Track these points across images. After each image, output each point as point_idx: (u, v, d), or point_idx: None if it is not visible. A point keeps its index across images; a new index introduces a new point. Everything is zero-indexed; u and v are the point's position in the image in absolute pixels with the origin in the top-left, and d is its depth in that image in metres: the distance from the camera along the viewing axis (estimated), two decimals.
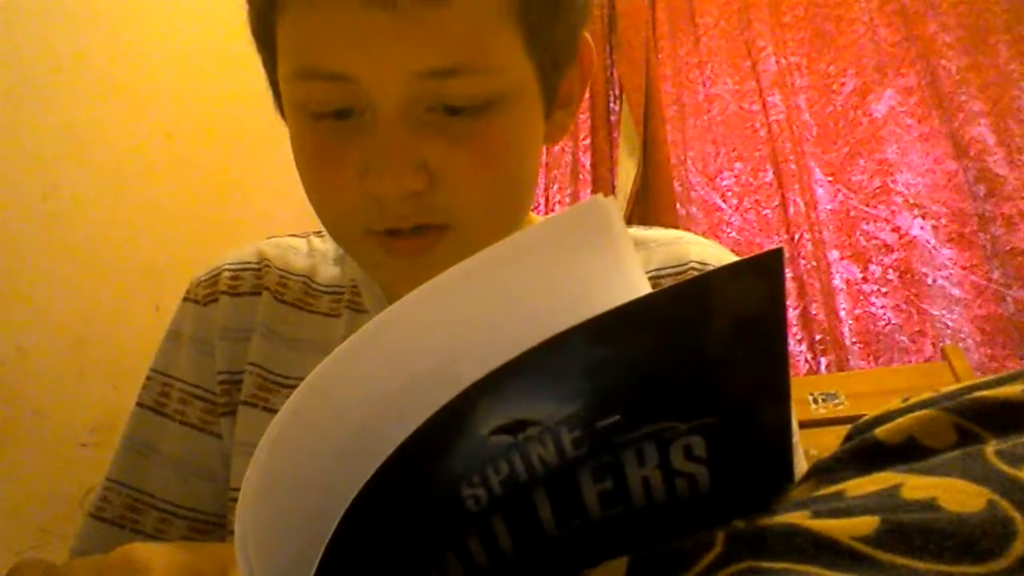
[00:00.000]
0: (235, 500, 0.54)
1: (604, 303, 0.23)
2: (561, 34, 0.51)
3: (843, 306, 1.96)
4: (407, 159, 0.47)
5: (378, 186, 0.47)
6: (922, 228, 1.95)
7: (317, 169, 0.51)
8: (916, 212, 1.96)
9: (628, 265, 0.28)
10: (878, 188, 2.01)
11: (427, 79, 0.46)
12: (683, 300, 0.25)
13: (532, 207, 0.59)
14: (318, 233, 0.68)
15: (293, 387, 0.26)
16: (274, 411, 0.25)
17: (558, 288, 0.27)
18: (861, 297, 1.96)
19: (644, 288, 0.28)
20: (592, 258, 0.28)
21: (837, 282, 1.98)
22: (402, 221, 0.49)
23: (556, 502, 0.27)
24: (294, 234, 0.69)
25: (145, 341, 0.73)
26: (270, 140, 0.55)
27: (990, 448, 0.26)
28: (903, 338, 1.90)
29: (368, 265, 0.57)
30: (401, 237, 0.50)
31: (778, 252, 0.24)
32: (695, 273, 0.59)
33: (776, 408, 0.28)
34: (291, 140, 0.52)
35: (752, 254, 0.24)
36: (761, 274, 0.25)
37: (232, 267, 0.65)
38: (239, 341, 0.62)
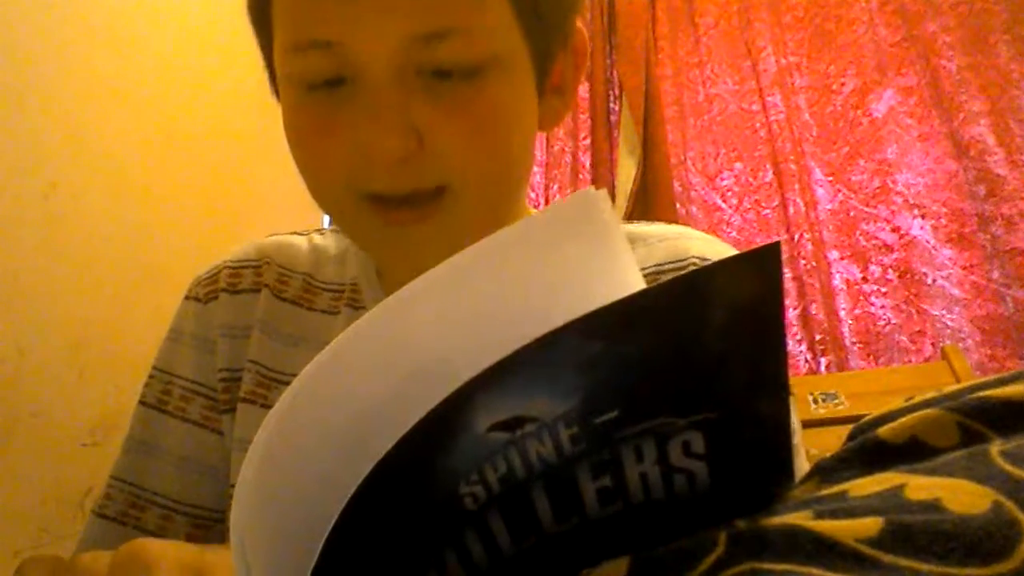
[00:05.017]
0: None
1: (599, 297, 0.23)
2: (550, 6, 0.52)
3: (843, 306, 1.96)
4: (396, 119, 0.47)
5: (368, 145, 0.48)
6: (922, 228, 1.95)
7: (308, 137, 0.51)
8: (916, 212, 1.96)
9: (621, 257, 0.28)
10: (878, 188, 2.01)
11: (416, 43, 0.46)
12: (680, 294, 0.24)
13: (531, 203, 0.59)
14: (319, 231, 0.68)
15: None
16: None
17: (551, 282, 0.27)
18: (861, 297, 1.96)
19: (637, 280, 0.28)
20: (584, 251, 0.28)
21: (837, 282, 1.98)
22: (393, 185, 0.49)
23: (554, 499, 0.27)
24: (296, 232, 0.69)
25: (145, 341, 0.73)
26: (270, 140, 0.55)
27: (995, 448, 0.25)
28: (903, 338, 1.90)
29: (363, 239, 0.56)
30: (395, 208, 0.50)
31: (775, 246, 0.24)
32: None
33: (775, 402, 0.27)
34: (283, 116, 0.52)
35: (750, 248, 0.24)
36: (759, 267, 0.24)
37: (232, 264, 0.65)
38: (239, 338, 0.62)
